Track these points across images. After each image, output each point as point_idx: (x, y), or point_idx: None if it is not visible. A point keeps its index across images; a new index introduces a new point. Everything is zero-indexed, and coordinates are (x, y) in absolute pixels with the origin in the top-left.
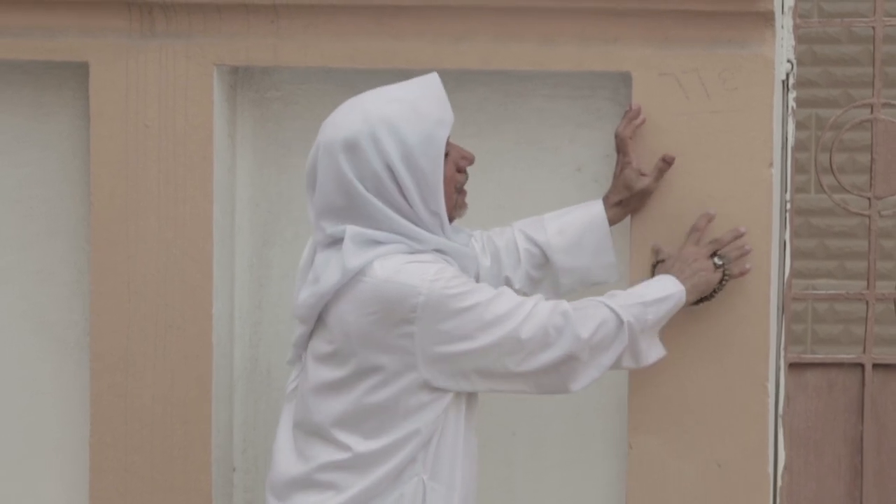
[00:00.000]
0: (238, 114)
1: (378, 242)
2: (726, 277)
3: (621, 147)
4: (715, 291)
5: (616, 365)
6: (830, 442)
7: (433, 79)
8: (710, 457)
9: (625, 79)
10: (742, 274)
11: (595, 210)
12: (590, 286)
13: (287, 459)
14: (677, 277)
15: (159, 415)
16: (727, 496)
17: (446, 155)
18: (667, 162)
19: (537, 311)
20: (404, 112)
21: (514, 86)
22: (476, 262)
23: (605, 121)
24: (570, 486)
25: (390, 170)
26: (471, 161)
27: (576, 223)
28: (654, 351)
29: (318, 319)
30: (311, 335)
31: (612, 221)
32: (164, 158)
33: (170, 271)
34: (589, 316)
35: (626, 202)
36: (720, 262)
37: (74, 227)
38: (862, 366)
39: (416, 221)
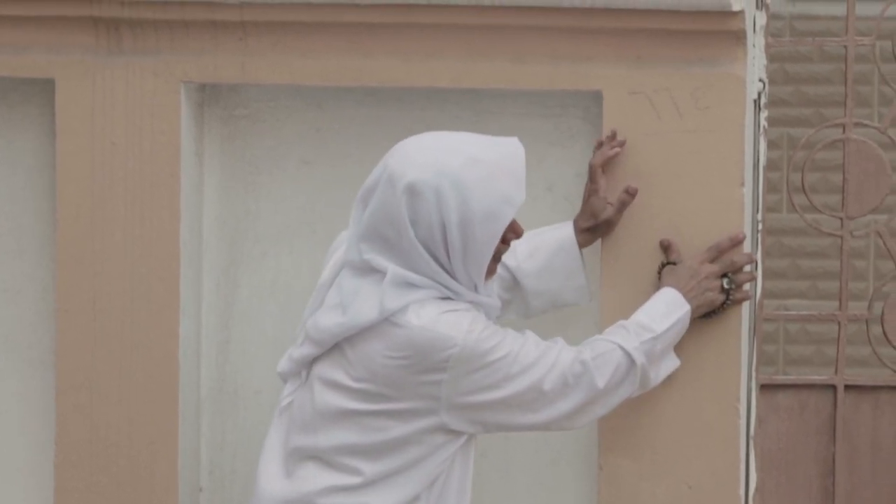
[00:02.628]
0: (205, 131)
1: (415, 286)
2: (728, 301)
3: (591, 175)
4: (713, 313)
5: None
6: (802, 463)
7: (518, 151)
8: (680, 478)
9: (596, 97)
10: (742, 301)
11: (565, 233)
12: (560, 308)
13: (276, 479)
14: (684, 294)
15: (125, 435)
16: None
17: None
18: (629, 194)
19: (560, 360)
20: (478, 178)
21: (484, 104)
22: (499, 309)
23: (576, 139)
24: None
25: (444, 228)
26: (519, 235)
27: (545, 246)
28: (663, 371)
29: (335, 346)
30: (318, 357)
31: (581, 245)
32: (130, 176)
33: (136, 290)
34: (606, 362)
35: (594, 229)
36: (728, 286)
37: (40, 244)
38: (834, 387)
39: (453, 276)
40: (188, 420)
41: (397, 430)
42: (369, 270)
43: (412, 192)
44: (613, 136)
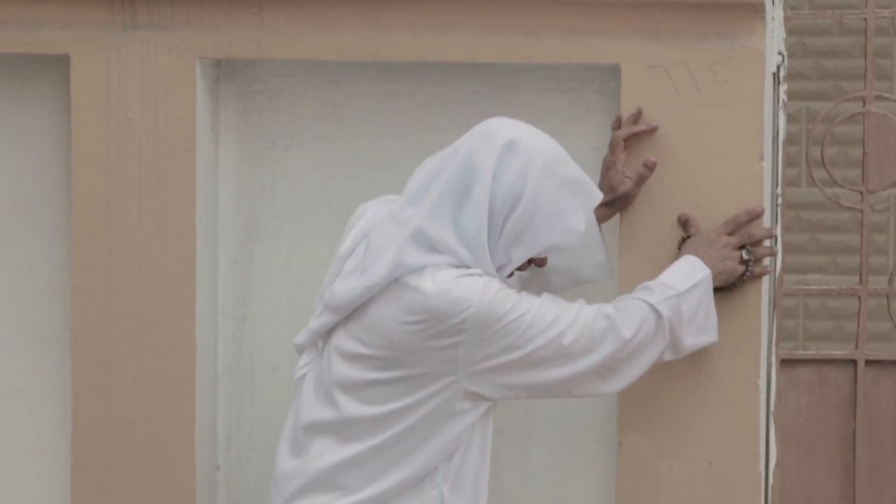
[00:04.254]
0: (221, 107)
1: (436, 251)
2: (748, 273)
3: (612, 147)
4: (734, 286)
5: (658, 360)
6: (823, 439)
7: (597, 200)
8: (700, 454)
9: (613, 72)
10: (761, 275)
11: None
12: (580, 285)
13: (286, 459)
14: (704, 261)
15: (141, 412)
16: (718, 494)
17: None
18: (648, 167)
19: (581, 317)
20: (564, 181)
21: (501, 79)
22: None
23: (593, 114)
24: (558, 485)
25: (519, 197)
26: (540, 265)
27: None
28: (698, 339)
29: (350, 315)
30: (335, 326)
31: (600, 220)
32: (145, 152)
33: (152, 267)
34: (631, 316)
35: (612, 203)
36: (748, 257)
37: (55, 222)
38: (854, 362)
39: (492, 251)
40: (205, 397)
41: (414, 397)
42: (407, 230)
43: (511, 146)
44: (639, 114)
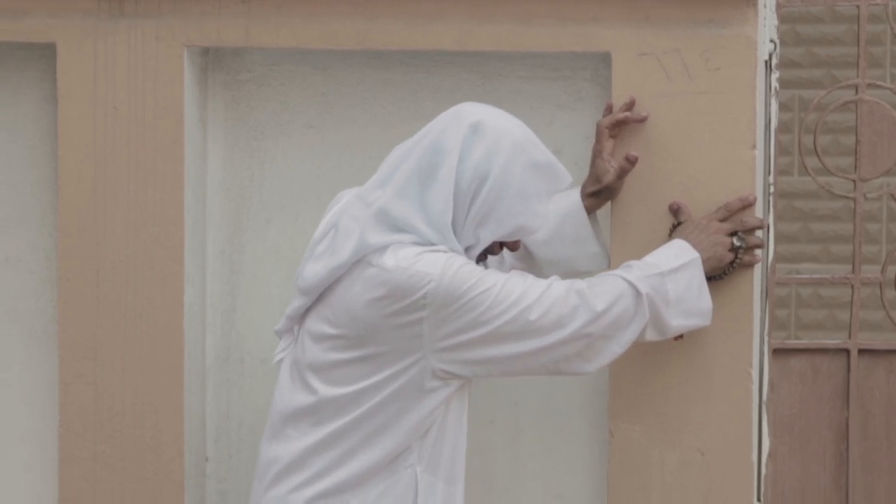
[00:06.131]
0: (209, 96)
1: (399, 230)
2: (738, 260)
3: (597, 136)
4: (723, 274)
5: (640, 338)
6: (816, 429)
7: (566, 181)
8: (692, 445)
9: (605, 59)
10: (751, 264)
11: (572, 199)
12: (577, 276)
13: (266, 444)
14: (693, 245)
15: (130, 404)
16: (710, 484)
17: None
18: (629, 161)
19: (550, 293)
20: (533, 162)
21: (490, 67)
22: None
23: (585, 102)
24: (550, 475)
25: (485, 178)
26: (513, 249)
27: (553, 214)
28: (686, 321)
29: (320, 296)
30: (308, 310)
31: (589, 210)
32: (133, 142)
33: (140, 258)
34: (605, 290)
35: (598, 193)
36: (738, 244)
37: (42, 212)
38: (847, 351)
39: (457, 231)
40: (193, 389)
41: (380, 375)
42: (371, 211)
43: (477, 128)
44: (631, 103)
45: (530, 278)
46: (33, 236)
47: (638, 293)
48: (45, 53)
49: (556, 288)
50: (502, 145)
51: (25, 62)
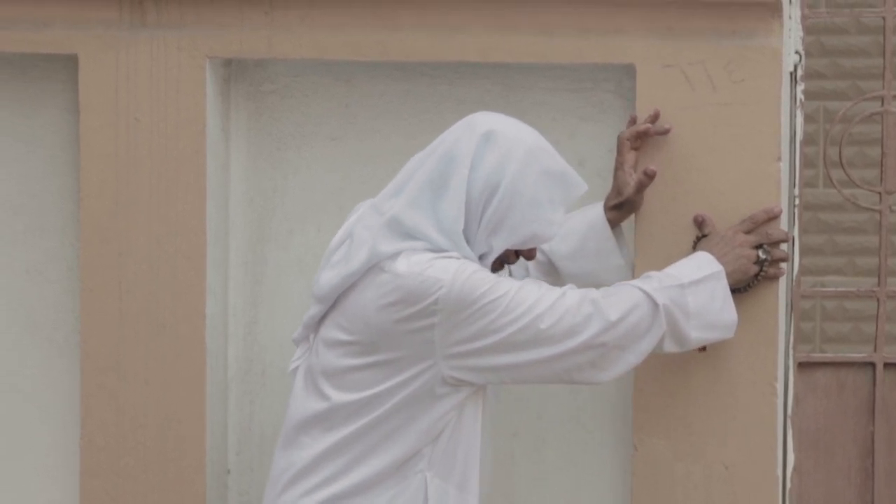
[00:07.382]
0: (231, 107)
1: (411, 237)
2: (763, 273)
3: (619, 149)
4: (747, 286)
5: (659, 350)
6: (841, 443)
7: (581, 190)
8: (717, 458)
9: (629, 71)
10: (776, 277)
11: (594, 213)
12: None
13: (279, 451)
14: (717, 258)
15: (151, 416)
16: (735, 499)
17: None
18: (648, 175)
19: (563, 301)
20: (546, 170)
21: (514, 78)
22: None
23: (608, 114)
24: (573, 489)
25: (497, 187)
26: (528, 258)
27: (577, 229)
28: (707, 333)
29: (334, 304)
30: (323, 318)
31: (612, 223)
32: (155, 153)
33: (162, 269)
34: (620, 300)
35: (620, 206)
36: (765, 256)
37: (63, 223)
38: (873, 365)
39: (469, 239)
40: (215, 401)
41: (392, 381)
42: (383, 219)
43: (489, 137)
44: (656, 115)
45: (544, 286)
46: (55, 247)
47: (655, 304)
48: (67, 64)
49: (569, 297)
50: (514, 154)
51: (47, 73)
